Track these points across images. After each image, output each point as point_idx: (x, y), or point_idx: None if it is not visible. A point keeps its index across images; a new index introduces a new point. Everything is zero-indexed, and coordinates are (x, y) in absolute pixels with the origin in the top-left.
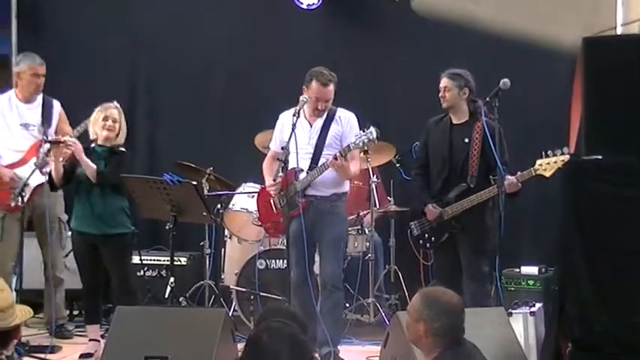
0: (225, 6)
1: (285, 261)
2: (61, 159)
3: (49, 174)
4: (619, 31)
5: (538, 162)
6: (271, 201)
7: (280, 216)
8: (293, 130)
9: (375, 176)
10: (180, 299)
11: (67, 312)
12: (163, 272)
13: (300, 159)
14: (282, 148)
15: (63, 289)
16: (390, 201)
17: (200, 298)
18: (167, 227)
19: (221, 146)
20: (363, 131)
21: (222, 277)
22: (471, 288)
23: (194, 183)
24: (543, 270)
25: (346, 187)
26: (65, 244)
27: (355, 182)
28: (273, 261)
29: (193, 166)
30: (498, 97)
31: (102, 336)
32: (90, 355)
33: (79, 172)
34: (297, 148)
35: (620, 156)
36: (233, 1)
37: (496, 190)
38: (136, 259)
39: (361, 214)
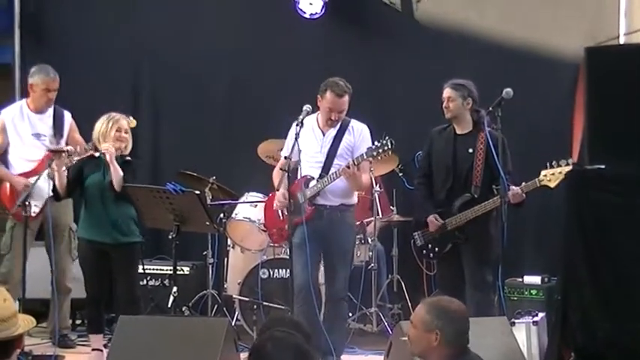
0: (229, 15)
1: (288, 270)
2: (64, 168)
3: (53, 184)
4: (622, 40)
5: (543, 173)
6: (274, 208)
7: (286, 223)
8: (296, 139)
9: (377, 185)
10: (183, 309)
11: (70, 321)
12: (166, 282)
13: (311, 167)
14: (285, 158)
15: (69, 298)
16: (392, 210)
17: (203, 308)
18: (170, 237)
19: (224, 155)
20: (379, 141)
21: (225, 286)
22: (476, 298)
23: (197, 192)
24: (546, 279)
25: (354, 199)
26: (75, 254)
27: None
28: (276, 270)
29: (196, 175)
30: (501, 106)
31: (105, 345)
32: None
33: (88, 181)
34: (299, 156)
35: (623, 165)
36: (236, 10)
37: (499, 200)
38: (139, 269)
39: (364, 223)
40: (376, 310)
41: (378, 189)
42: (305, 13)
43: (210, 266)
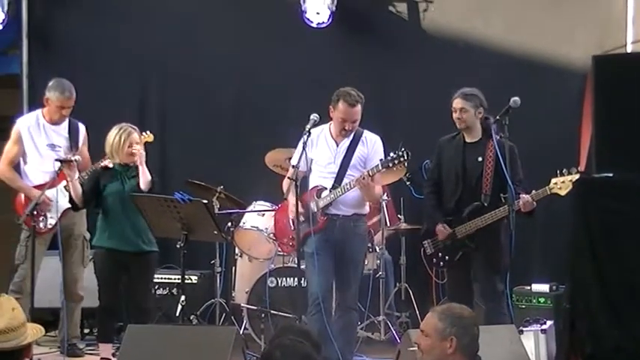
0: (236, 24)
1: (295, 279)
2: (77, 176)
3: (69, 195)
4: (629, 49)
5: (553, 180)
6: (290, 217)
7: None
8: (304, 148)
9: (385, 194)
10: (191, 317)
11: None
12: (174, 290)
13: (324, 178)
14: (293, 167)
15: (80, 307)
16: (400, 219)
17: (211, 317)
18: (178, 246)
19: (232, 164)
20: (395, 152)
21: (233, 295)
22: (488, 307)
23: (205, 201)
24: (554, 287)
25: (367, 208)
26: (87, 262)
27: None
28: (284, 279)
29: (204, 184)
30: (508, 115)
31: (113, 354)
32: None
33: (107, 191)
34: (310, 166)
35: (631, 173)
36: (243, 20)
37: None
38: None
39: (372, 231)
40: (384, 318)
41: (386, 197)
42: (312, 22)
43: (218, 275)
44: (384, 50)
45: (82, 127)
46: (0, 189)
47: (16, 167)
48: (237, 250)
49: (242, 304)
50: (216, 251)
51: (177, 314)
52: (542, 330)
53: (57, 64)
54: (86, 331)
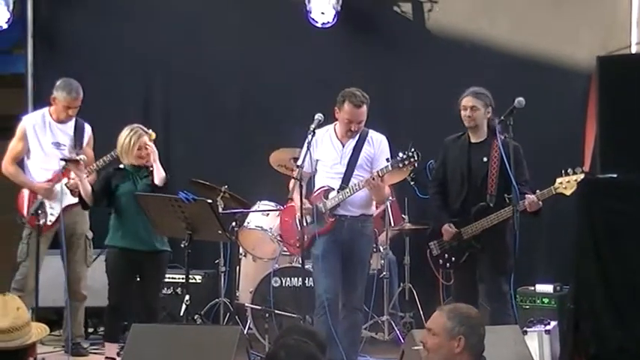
0: (241, 24)
1: (300, 279)
2: (85, 175)
3: (79, 193)
4: (634, 49)
5: (558, 180)
6: (297, 218)
7: (304, 233)
8: (308, 148)
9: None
10: (196, 317)
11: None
12: (178, 290)
13: (331, 178)
14: (298, 167)
15: (84, 306)
16: (404, 219)
17: (215, 316)
18: (182, 245)
19: (236, 164)
20: (404, 152)
21: (237, 294)
22: (493, 308)
23: (209, 201)
24: (558, 288)
25: (374, 209)
26: (91, 262)
27: None
28: (288, 279)
29: (208, 184)
30: (513, 115)
31: (117, 354)
32: None
33: (120, 191)
34: (315, 166)
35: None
36: (248, 20)
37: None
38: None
39: (376, 231)
40: (388, 318)
41: (390, 198)
42: (317, 22)
43: (222, 275)
44: (388, 50)
45: (87, 128)
46: (2, 189)
47: (19, 163)
48: (241, 250)
49: (246, 304)
50: (220, 251)
51: (182, 314)
52: (546, 331)
53: (62, 63)
54: (90, 330)
